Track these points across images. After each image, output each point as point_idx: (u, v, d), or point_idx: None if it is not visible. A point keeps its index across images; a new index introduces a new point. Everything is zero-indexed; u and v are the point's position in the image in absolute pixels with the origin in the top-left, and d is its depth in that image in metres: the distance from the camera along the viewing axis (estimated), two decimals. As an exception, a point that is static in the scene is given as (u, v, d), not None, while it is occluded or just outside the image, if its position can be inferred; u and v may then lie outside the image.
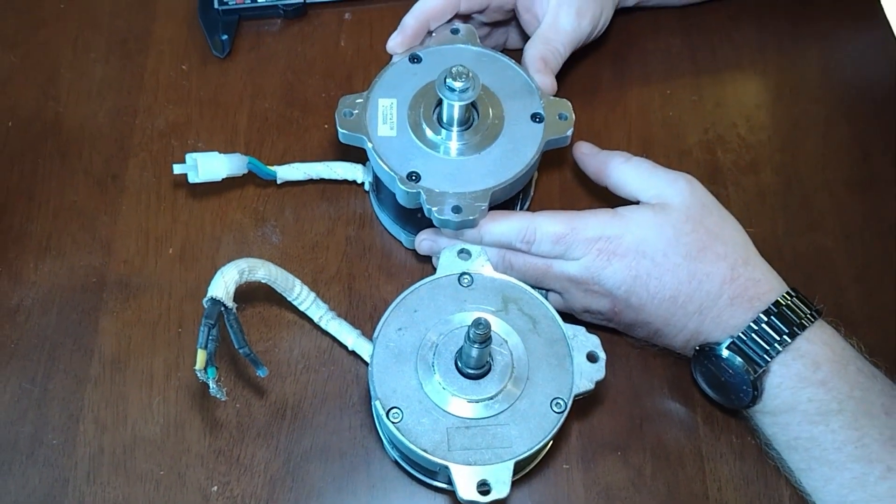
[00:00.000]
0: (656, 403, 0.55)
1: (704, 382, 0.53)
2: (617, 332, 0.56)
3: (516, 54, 0.59)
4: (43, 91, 0.65)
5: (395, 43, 0.57)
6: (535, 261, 0.52)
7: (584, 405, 0.54)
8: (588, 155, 0.56)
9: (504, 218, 0.52)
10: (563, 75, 0.66)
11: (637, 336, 0.55)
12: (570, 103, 0.56)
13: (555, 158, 0.62)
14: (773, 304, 0.50)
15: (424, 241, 0.55)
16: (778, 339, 0.49)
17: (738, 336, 0.49)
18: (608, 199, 0.62)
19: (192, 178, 0.57)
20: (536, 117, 0.55)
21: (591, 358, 0.49)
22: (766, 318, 0.49)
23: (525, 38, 0.65)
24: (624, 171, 0.54)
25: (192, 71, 0.66)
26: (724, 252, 0.51)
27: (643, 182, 0.53)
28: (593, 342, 0.49)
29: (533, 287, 0.52)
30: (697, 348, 0.52)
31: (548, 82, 0.57)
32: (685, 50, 0.69)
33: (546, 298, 0.53)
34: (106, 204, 0.61)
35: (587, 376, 0.48)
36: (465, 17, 0.61)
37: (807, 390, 0.49)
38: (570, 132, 0.55)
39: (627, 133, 0.65)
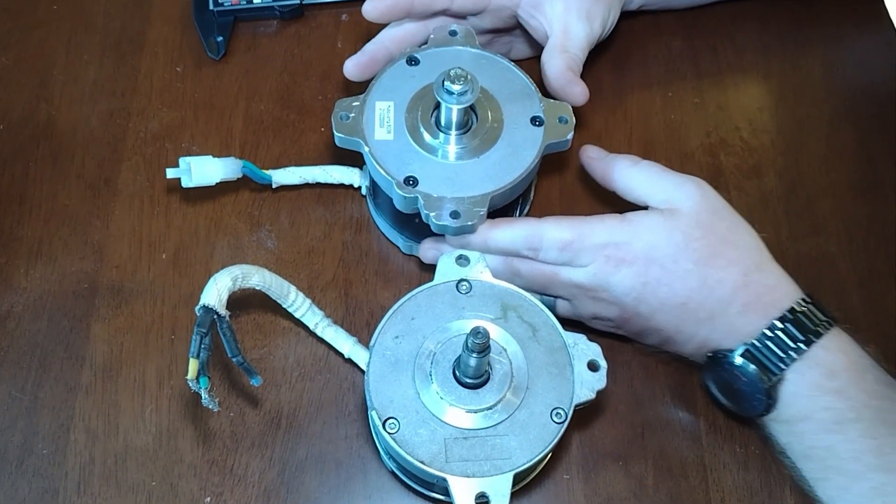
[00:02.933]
0: (658, 412, 0.54)
1: (716, 390, 0.52)
2: (619, 339, 0.55)
3: (523, 65, 0.58)
4: (35, 93, 0.64)
5: (349, 66, 0.58)
6: (542, 268, 0.51)
7: (584, 414, 0.53)
8: (595, 159, 0.55)
9: (509, 225, 0.51)
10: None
11: (647, 343, 0.54)
12: (570, 106, 0.55)
13: (555, 162, 0.61)
14: (787, 311, 0.49)
15: (429, 251, 0.54)
16: (793, 346, 0.48)
17: (752, 343, 0.48)
18: (610, 203, 0.61)
19: (185, 183, 0.56)
20: (536, 121, 0.54)
21: (592, 367, 0.48)
22: (780, 325, 0.48)
23: (532, 47, 0.64)
24: (631, 175, 0.53)
25: (186, 73, 0.65)
26: (737, 257, 0.50)
27: (651, 186, 0.52)
28: (594, 350, 0.48)
29: (541, 294, 0.51)
30: (709, 355, 0.50)
31: (580, 91, 0.56)
32: (686, 52, 0.68)
33: (555, 305, 0.52)
34: (98, 208, 0.60)
35: (588, 386, 0.47)
36: (460, 18, 0.60)
37: (823, 399, 0.48)
38: (570, 136, 0.54)
39: (628, 136, 0.64)
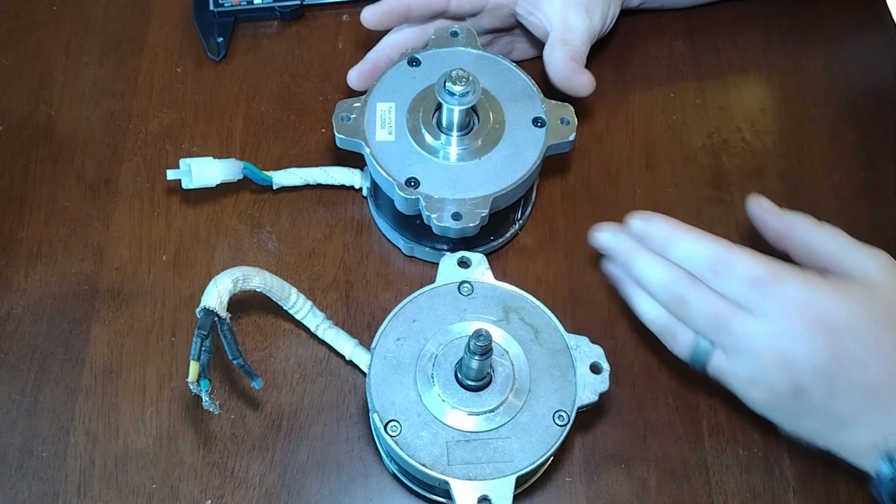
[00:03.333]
0: (661, 415, 0.53)
1: (888, 498, 0.43)
2: (620, 341, 0.55)
3: (525, 66, 0.58)
4: (35, 94, 0.64)
5: (352, 76, 0.58)
6: (716, 302, 0.45)
7: (586, 416, 0.53)
8: (768, 212, 0.49)
9: (698, 234, 0.46)
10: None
11: (803, 428, 0.46)
12: (571, 107, 0.55)
13: (556, 163, 0.61)
14: None
15: (605, 234, 0.50)
16: None
17: None
18: (611, 207, 0.61)
19: (185, 185, 0.56)
20: (538, 122, 0.54)
21: (595, 369, 0.47)
22: None
23: (534, 46, 0.64)
24: (815, 236, 0.47)
25: (186, 74, 0.65)
26: None
27: (840, 253, 0.46)
28: (597, 353, 0.48)
29: (702, 335, 0.46)
30: (890, 457, 0.43)
31: (586, 80, 0.56)
32: (688, 52, 0.68)
33: (709, 355, 0.46)
34: (98, 210, 0.59)
35: (591, 388, 0.47)
36: (459, 20, 0.60)
37: None
38: (572, 137, 0.54)
39: (630, 137, 0.64)
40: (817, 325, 0.43)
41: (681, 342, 0.48)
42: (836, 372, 0.43)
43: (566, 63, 0.55)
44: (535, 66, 0.62)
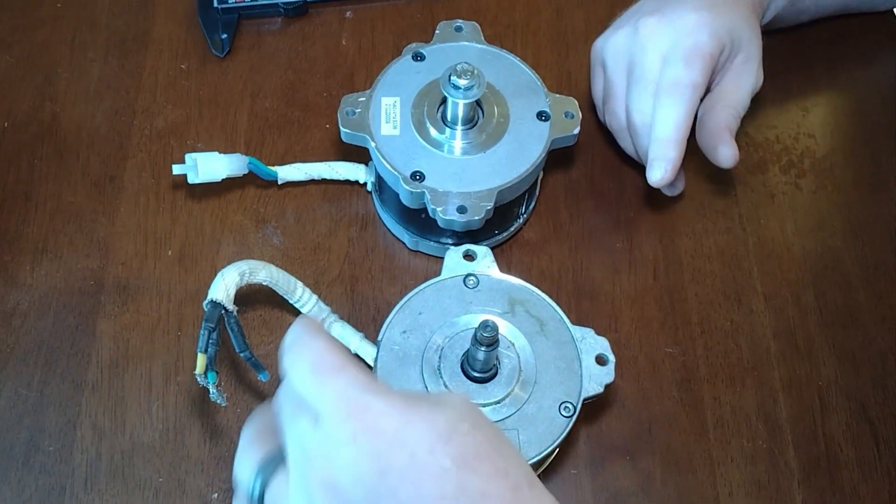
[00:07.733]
0: (666, 407, 0.54)
1: None
2: (624, 334, 0.55)
3: (530, 60, 0.58)
4: (40, 91, 0.64)
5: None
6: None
7: (591, 408, 0.53)
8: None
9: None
10: (569, 72, 0.66)
11: None
12: (576, 101, 0.55)
13: (560, 157, 0.61)
14: None
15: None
16: None
17: None
18: (615, 201, 0.61)
19: (191, 179, 0.56)
20: (542, 115, 0.54)
21: (601, 361, 0.48)
22: None
23: None
24: None
25: (191, 70, 0.65)
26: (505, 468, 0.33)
27: None
28: (602, 345, 0.48)
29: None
30: None
31: (731, 154, 0.55)
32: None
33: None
34: (104, 205, 0.59)
35: (596, 380, 0.47)
36: None
37: None
38: (576, 131, 0.54)
39: (633, 132, 0.64)
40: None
41: None
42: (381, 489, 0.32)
43: (722, 132, 0.55)
44: (539, 61, 0.62)
